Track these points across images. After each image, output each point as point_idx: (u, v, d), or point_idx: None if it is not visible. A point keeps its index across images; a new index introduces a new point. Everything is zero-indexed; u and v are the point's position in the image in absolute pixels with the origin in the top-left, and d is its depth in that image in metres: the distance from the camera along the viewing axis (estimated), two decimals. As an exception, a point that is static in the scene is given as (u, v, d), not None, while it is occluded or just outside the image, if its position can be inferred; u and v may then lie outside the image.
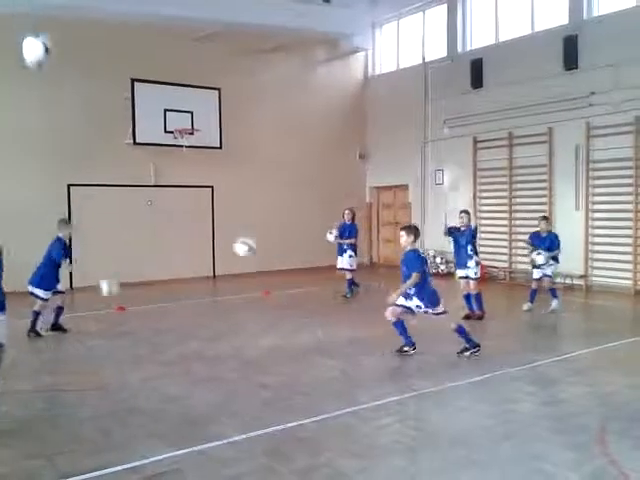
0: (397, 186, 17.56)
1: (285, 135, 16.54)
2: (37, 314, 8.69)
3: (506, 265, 14.33)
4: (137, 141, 14.09)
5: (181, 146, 14.24)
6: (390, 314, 7.41)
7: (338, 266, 12.19)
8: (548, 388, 6.23)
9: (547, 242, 10.16)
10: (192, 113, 14.65)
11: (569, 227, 12.76)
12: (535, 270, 10.34)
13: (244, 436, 4.90)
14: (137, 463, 4.43)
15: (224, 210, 15.65)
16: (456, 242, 9.78)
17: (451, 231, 9.87)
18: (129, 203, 14.33)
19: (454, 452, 4.65)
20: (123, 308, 10.74)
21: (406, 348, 7.48)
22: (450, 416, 5.47)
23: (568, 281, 12.84)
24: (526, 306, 10.38)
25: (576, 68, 12.78)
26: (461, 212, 9.84)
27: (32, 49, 6.53)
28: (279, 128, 16.46)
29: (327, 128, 17.44)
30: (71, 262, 9.61)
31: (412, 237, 7.55)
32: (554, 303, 10.18)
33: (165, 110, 14.34)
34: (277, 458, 4.54)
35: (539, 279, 10.32)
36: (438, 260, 15.59)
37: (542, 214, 11.54)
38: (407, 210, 17.19)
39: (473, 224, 9.71)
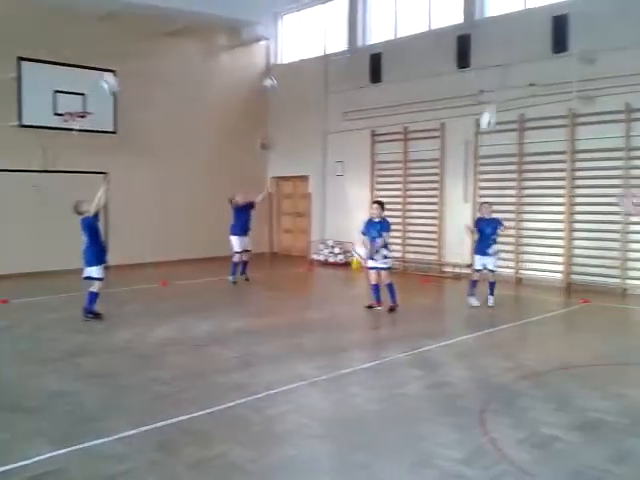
0: (297, 177, 17.67)
1: (185, 121, 16.16)
2: None
3: (400, 255, 14.83)
4: (23, 123, 13.27)
5: (72, 130, 13.55)
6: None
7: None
8: (435, 372, 6.53)
9: (492, 225, 9.96)
10: (84, 95, 13.97)
11: (458, 218, 13.42)
12: (477, 259, 10.18)
13: (134, 431, 4.78)
14: (17, 464, 4.21)
15: (119, 197, 15.06)
16: (370, 235, 9.66)
17: (365, 229, 9.71)
18: (14, 189, 13.46)
19: (345, 437, 4.78)
20: (5, 301, 10.13)
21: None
22: (341, 402, 5.61)
23: (457, 270, 13.50)
24: (474, 301, 10.12)
25: (468, 67, 13.39)
26: (373, 203, 9.97)
27: None
28: (179, 114, 16.05)
29: (229, 116, 17.22)
30: None
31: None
32: (491, 299, 10.13)
33: (55, 91, 13.59)
34: (168, 452, 4.47)
35: (480, 270, 10.19)
36: (337, 250, 15.87)
37: (484, 200, 11.27)
38: (307, 201, 17.37)
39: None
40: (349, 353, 7.29)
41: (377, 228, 9.57)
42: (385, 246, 9.65)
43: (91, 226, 8.83)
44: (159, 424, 4.93)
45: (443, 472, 4.18)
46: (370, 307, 9.79)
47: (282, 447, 4.61)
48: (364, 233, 9.71)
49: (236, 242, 12.64)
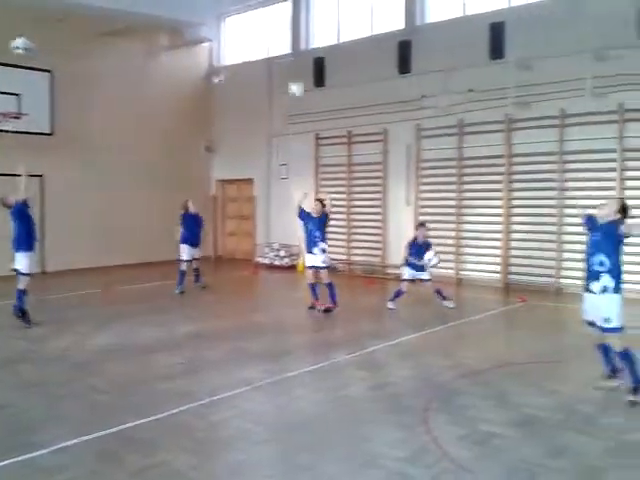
0: (242, 180, 17.57)
1: (126, 123, 15.83)
2: None
3: (345, 257, 14.95)
4: (-48, 124, 12.73)
5: (5, 131, 13.05)
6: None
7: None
8: (379, 372, 6.62)
9: (423, 249, 9.99)
10: (19, 96, 13.49)
11: (400, 221, 13.67)
12: (406, 271, 10.17)
13: (73, 442, 4.65)
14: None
15: (56, 201, 14.63)
16: (306, 227, 9.88)
17: (302, 215, 9.91)
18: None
19: (289, 441, 4.79)
20: None
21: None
22: (286, 406, 5.62)
23: (398, 271, 13.68)
24: (391, 305, 10.15)
25: (409, 72, 13.62)
26: (316, 200, 10.16)
27: None
28: (119, 116, 15.71)
29: (172, 118, 16.96)
30: None
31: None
32: (449, 303, 10.10)
33: (-13, 91, 13.09)
34: (109, 461, 4.38)
35: (412, 280, 10.18)
36: (282, 253, 15.86)
37: (420, 220, 11.47)
38: (252, 204, 17.30)
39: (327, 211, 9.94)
40: (294, 356, 7.30)
41: (316, 222, 9.78)
42: (323, 240, 9.81)
43: (20, 211, 8.80)
44: (100, 433, 4.82)
45: (387, 471, 4.25)
46: (312, 307, 9.84)
47: (226, 453, 4.58)
48: (301, 218, 9.93)
49: (186, 251, 12.02)
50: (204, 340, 8.01)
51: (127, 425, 4.99)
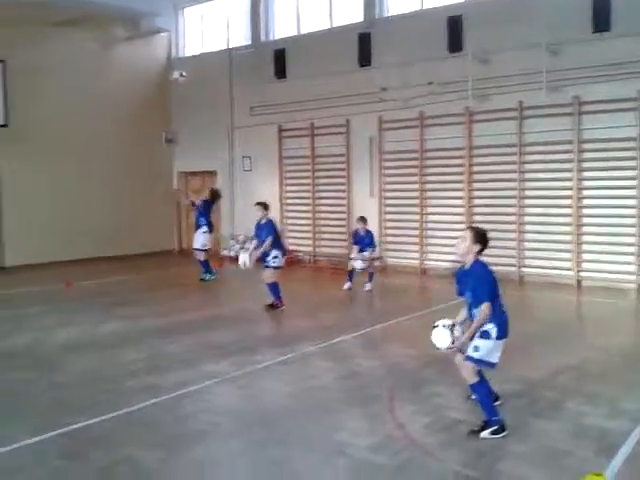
0: (206, 172, 17.38)
1: (81, 114, 15.41)
2: None
3: (310, 249, 14.96)
4: None
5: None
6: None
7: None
8: (345, 362, 6.64)
9: (367, 239, 11.07)
10: (-30, 87, 13.08)
11: (365, 212, 13.66)
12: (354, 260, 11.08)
13: (35, 439, 4.55)
14: None
15: (12, 194, 14.23)
16: (258, 237, 9.60)
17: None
18: None
19: (257, 433, 4.78)
20: None
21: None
22: (252, 399, 5.60)
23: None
24: (347, 285, 11.18)
25: (369, 64, 13.66)
26: (255, 204, 9.69)
27: None
28: (76, 107, 15.32)
29: (130, 109, 16.61)
30: None
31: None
32: (368, 285, 11.10)
33: (-64, 82, 12.64)
34: (73, 459, 4.30)
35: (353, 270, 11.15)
36: (248, 245, 15.68)
37: (360, 215, 11.67)
38: (215, 196, 17.10)
39: (268, 218, 9.55)
40: (260, 348, 7.27)
41: (264, 230, 9.43)
42: (276, 246, 9.41)
43: None
44: (62, 430, 4.72)
45: (354, 460, 4.28)
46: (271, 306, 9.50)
47: (195, 447, 4.54)
48: (256, 235, 9.68)
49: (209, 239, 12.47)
50: (169, 334, 7.91)
51: (92, 421, 4.90)
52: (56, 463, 4.24)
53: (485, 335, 4.72)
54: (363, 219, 11.25)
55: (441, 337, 4.81)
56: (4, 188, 14.24)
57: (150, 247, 16.52)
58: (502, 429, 4.65)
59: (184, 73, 14.60)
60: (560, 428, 4.82)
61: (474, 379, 4.76)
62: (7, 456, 4.33)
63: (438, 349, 4.86)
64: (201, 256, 12.23)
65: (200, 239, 12.27)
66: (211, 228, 12.45)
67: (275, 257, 9.41)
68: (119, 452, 4.40)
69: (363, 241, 11.07)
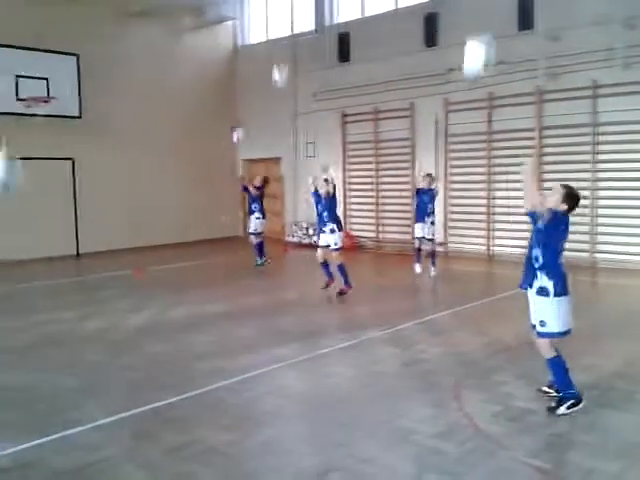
0: (269, 159, 17.54)
1: (151, 104, 15.87)
2: None
3: (373, 235, 14.88)
4: (-16, 110, 12.91)
5: (35, 115, 13.22)
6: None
7: None
8: (410, 349, 6.59)
9: (429, 195, 10.76)
10: (47, 80, 13.64)
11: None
12: (416, 228, 11.01)
13: (110, 419, 4.75)
14: (-9, 457, 4.16)
15: (87, 183, 14.82)
16: (317, 208, 9.57)
17: (314, 196, 9.63)
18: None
19: (322, 417, 4.82)
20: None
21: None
22: (318, 383, 5.64)
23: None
24: (417, 268, 11.04)
25: (435, 45, 13.36)
26: (324, 180, 9.63)
27: None
28: (145, 97, 15.77)
29: (197, 99, 16.97)
30: None
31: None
32: (432, 270, 10.89)
33: (17, 76, 13.23)
34: (145, 439, 4.45)
35: (419, 238, 11.00)
36: (311, 232, 15.86)
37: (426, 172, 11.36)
38: (280, 183, 17.27)
39: (332, 191, 9.48)
40: (325, 333, 7.31)
41: (324, 204, 9.43)
42: (332, 221, 9.43)
43: None
44: (135, 411, 4.90)
45: (420, 447, 4.24)
46: (326, 286, 9.54)
47: (261, 429, 4.62)
48: (314, 200, 9.64)
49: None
50: (236, 318, 8.07)
51: (162, 403, 5.07)
52: (129, 442, 4.41)
53: (543, 292, 4.69)
54: (430, 175, 11.01)
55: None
56: (78, 178, 14.84)
57: (217, 233, 16.90)
58: (578, 402, 4.66)
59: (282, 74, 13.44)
60: (632, 420, 4.64)
61: (550, 354, 4.76)
62: (85, 434, 4.53)
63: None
64: (254, 240, 12.40)
65: (252, 225, 12.46)
66: (264, 214, 12.51)
67: (334, 233, 9.43)
68: (190, 433, 4.53)
69: (426, 195, 10.74)
